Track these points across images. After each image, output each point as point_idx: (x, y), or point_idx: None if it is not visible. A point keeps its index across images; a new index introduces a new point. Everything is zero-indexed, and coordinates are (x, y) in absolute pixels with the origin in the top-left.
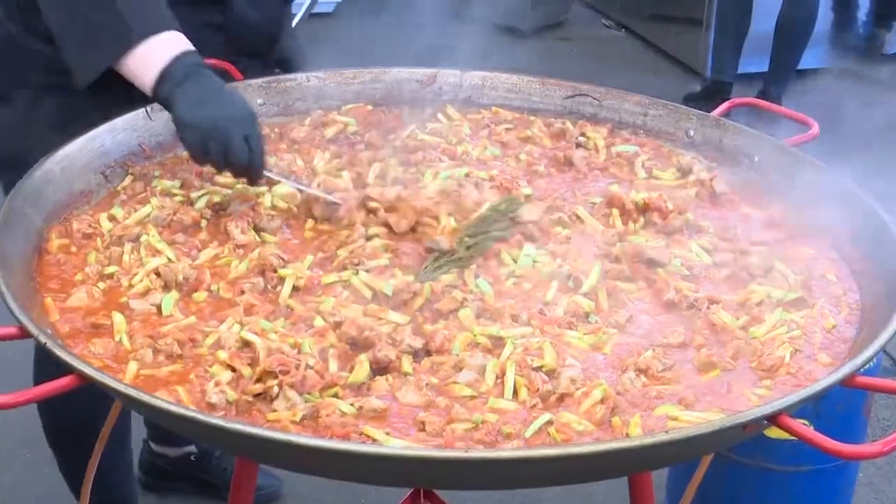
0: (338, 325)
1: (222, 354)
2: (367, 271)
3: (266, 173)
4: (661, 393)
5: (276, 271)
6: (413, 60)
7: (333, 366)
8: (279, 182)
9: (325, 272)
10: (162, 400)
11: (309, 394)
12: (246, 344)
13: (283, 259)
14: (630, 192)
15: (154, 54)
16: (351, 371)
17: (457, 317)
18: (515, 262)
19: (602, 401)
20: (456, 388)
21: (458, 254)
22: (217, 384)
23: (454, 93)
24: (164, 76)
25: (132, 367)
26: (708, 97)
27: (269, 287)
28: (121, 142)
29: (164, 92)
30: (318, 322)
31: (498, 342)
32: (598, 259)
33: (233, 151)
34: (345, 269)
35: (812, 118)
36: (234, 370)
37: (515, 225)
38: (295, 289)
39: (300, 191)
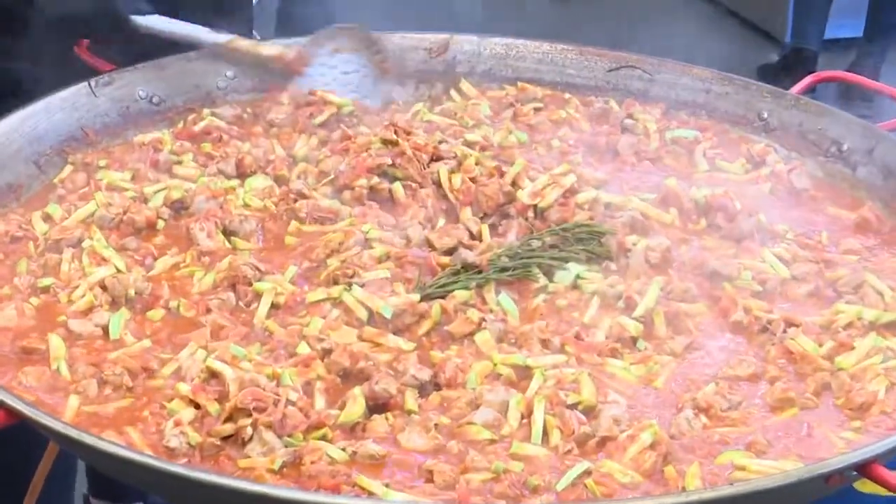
0: (326, 352)
1: (183, 387)
2: (362, 286)
3: None
4: (726, 436)
5: (250, 285)
6: (420, 23)
7: (320, 402)
8: None
9: (311, 287)
10: (109, 443)
11: (290, 436)
12: (213, 375)
13: (258, 270)
14: (689, 188)
15: None
16: (342, 408)
17: (473, 342)
18: (550, 279)
19: (652, 446)
20: (472, 430)
21: (486, 273)
22: (177, 424)
23: (471, 64)
24: None
25: (73, 401)
26: (787, 69)
27: (241, 304)
28: (58, 123)
29: None
30: (303, 349)
31: (524, 373)
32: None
33: None
34: (335, 283)
35: None
36: (198, 407)
37: (589, 255)
38: (274, 307)
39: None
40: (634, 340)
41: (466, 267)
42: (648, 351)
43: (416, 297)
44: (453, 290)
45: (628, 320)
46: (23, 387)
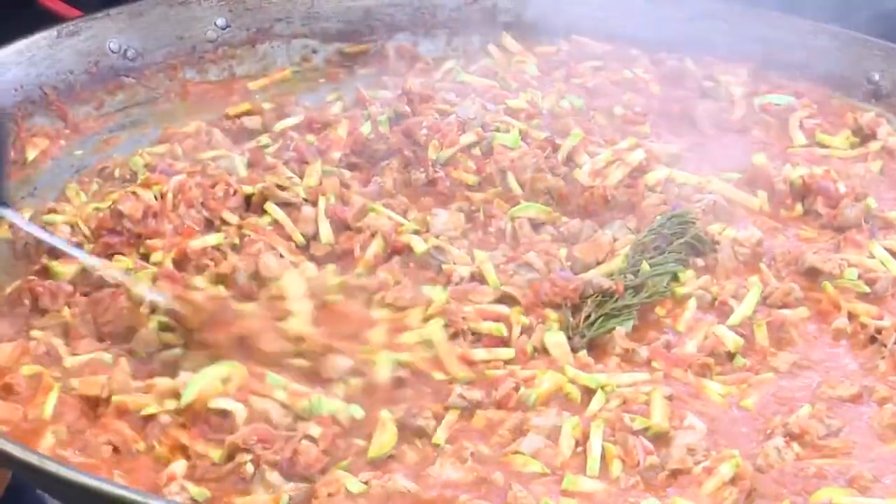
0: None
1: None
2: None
3: None
4: (823, 469)
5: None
6: None
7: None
8: None
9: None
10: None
11: (307, 477)
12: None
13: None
14: (782, 167)
15: None
16: (369, 439)
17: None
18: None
19: (734, 480)
20: (518, 461)
21: (627, 300)
22: (171, 479)
23: (515, 12)
24: None
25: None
26: None
27: None
28: (11, 82)
29: None
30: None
31: (589, 391)
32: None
33: None
34: None
35: None
36: (188, 457)
37: (692, 249)
38: None
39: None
40: (731, 356)
41: (603, 293)
42: (748, 368)
43: (511, 352)
44: (611, 329)
45: (726, 332)
46: None
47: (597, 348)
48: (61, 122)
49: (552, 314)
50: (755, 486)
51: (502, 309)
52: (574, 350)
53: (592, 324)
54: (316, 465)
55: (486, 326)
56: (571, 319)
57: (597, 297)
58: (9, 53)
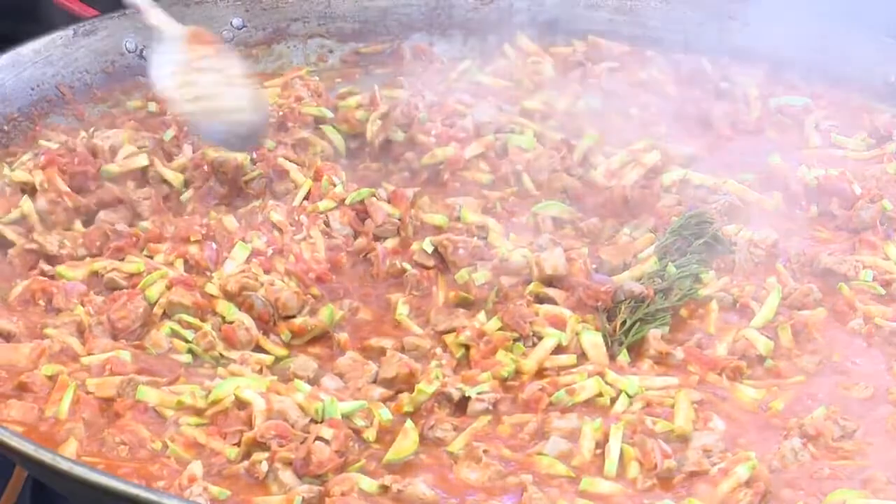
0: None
1: (195, 433)
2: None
3: None
4: (838, 471)
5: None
6: None
7: (371, 433)
8: None
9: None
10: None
11: (319, 476)
12: (241, 405)
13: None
14: (797, 168)
15: None
16: (382, 437)
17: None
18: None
19: (749, 482)
20: (543, 462)
21: (657, 303)
22: (192, 480)
23: (531, 13)
24: None
25: (70, 447)
26: None
27: None
28: (28, 81)
29: None
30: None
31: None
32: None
33: None
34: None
35: None
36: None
37: (711, 249)
38: None
39: None
40: (761, 359)
41: (635, 298)
42: (774, 371)
43: (573, 359)
44: (646, 333)
45: (757, 335)
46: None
47: (630, 351)
48: (77, 122)
49: (588, 316)
50: (770, 489)
51: (565, 312)
52: (612, 357)
53: (628, 330)
54: (328, 464)
55: (551, 333)
56: (608, 325)
57: (629, 302)
58: (26, 52)
